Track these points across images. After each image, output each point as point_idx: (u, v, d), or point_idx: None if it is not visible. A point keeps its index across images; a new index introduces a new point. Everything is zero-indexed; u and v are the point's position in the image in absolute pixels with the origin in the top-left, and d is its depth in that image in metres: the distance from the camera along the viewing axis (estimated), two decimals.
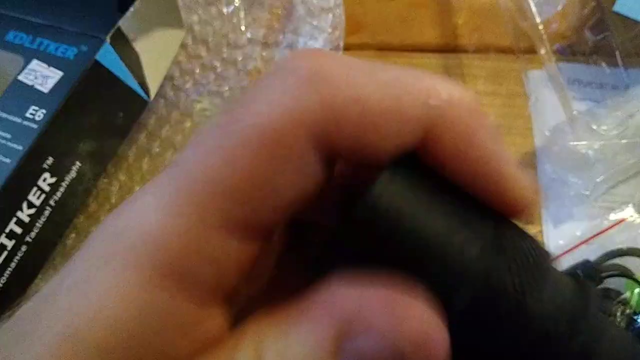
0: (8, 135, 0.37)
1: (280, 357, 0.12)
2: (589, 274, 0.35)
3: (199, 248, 0.12)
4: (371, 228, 0.13)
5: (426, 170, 0.14)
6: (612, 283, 0.37)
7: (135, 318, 0.12)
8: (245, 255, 0.13)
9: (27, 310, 0.13)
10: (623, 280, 0.37)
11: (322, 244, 0.14)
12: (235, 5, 0.50)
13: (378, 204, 0.13)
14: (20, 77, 0.40)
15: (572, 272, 0.35)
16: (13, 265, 0.37)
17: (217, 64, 0.49)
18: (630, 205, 0.41)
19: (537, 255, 0.14)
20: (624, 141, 0.41)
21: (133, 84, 0.42)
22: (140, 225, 0.12)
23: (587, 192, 0.41)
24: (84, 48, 0.39)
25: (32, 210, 0.37)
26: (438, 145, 0.13)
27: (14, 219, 0.37)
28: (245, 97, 0.13)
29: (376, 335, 0.12)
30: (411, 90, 0.13)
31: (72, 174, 0.40)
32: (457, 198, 0.14)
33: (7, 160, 0.36)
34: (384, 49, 0.51)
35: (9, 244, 0.37)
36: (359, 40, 0.51)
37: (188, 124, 0.46)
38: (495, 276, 0.13)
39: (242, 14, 0.50)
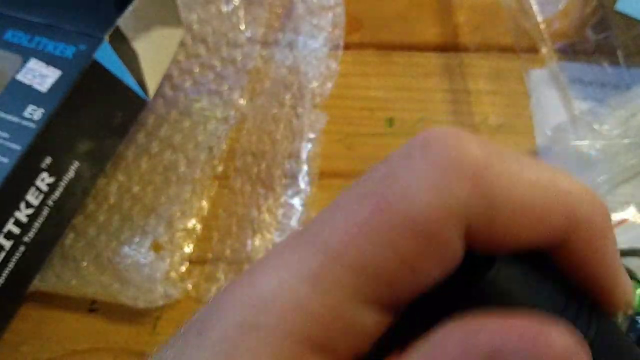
0: (6, 135, 0.37)
1: None
2: None
3: (342, 320, 0.13)
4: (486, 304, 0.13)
5: (538, 259, 0.14)
6: None
7: None
8: (379, 326, 0.13)
9: None
10: None
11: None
12: (234, 4, 0.50)
13: (495, 285, 0.13)
14: (18, 77, 0.39)
15: None
16: (11, 266, 0.37)
17: (216, 63, 0.48)
18: (632, 205, 0.40)
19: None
20: (626, 141, 0.40)
21: (132, 83, 0.42)
22: (285, 296, 0.13)
23: None
24: (82, 47, 0.39)
25: (30, 211, 0.37)
26: (569, 248, 0.14)
27: (12, 220, 0.36)
28: (387, 175, 0.13)
29: None
30: (559, 190, 0.13)
31: (71, 173, 0.39)
32: (566, 290, 0.14)
33: (5, 160, 0.36)
34: (385, 47, 0.51)
35: (7, 244, 0.36)
36: (359, 39, 0.51)
37: (187, 124, 0.46)
38: None
39: (241, 13, 0.50)
